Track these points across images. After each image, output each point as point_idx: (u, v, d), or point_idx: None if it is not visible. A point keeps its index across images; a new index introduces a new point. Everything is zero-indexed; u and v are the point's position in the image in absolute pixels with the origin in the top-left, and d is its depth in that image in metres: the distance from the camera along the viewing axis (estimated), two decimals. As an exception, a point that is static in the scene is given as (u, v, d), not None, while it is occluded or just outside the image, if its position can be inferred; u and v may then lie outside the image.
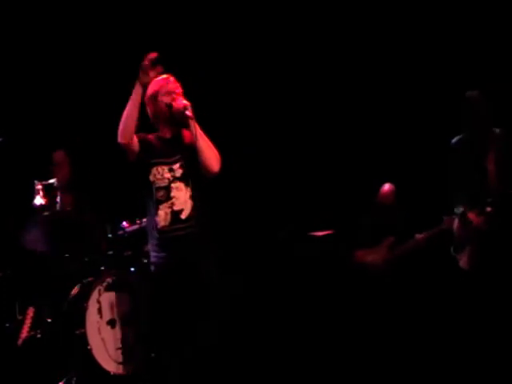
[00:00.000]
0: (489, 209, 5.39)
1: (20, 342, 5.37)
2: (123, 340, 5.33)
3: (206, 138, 4.23)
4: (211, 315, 4.20)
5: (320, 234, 6.77)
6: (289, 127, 7.10)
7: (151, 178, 4.21)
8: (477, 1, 6.54)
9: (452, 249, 5.61)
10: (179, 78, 4.34)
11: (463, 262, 5.51)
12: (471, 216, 5.41)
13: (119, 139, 4.16)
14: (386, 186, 6.75)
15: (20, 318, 5.48)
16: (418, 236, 6.46)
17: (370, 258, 6.69)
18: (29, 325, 5.39)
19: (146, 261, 5.47)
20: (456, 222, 5.63)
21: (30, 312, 5.43)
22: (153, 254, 4.30)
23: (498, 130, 5.47)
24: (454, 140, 5.59)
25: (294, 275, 6.62)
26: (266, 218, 7.00)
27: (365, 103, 7.06)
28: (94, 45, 6.83)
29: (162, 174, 4.21)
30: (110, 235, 5.75)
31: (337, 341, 5.74)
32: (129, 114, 4.15)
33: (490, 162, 5.42)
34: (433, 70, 6.78)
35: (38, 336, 5.39)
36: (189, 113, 4.16)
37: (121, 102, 4.25)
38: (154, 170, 4.21)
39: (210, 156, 4.21)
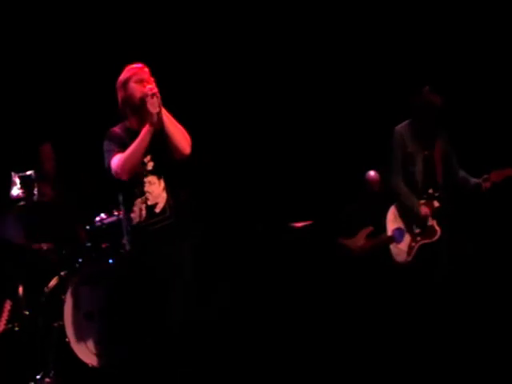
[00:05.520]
0: (436, 204, 5.39)
1: None
2: (101, 332, 5.32)
3: (174, 121, 4.16)
4: (185, 306, 4.19)
5: (299, 224, 6.78)
6: (269, 119, 7.11)
7: None
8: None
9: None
10: (172, 76, 4.32)
11: (399, 256, 5.51)
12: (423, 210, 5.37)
13: (123, 177, 4.06)
14: (372, 173, 6.76)
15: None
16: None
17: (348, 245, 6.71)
18: (6, 318, 5.36)
19: (124, 252, 5.48)
20: (395, 211, 5.61)
21: (7, 305, 5.39)
22: (128, 248, 4.28)
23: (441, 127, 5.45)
24: (398, 127, 5.47)
25: (274, 266, 6.63)
26: (246, 209, 7.00)
27: (342, 96, 7.08)
28: (78, 40, 6.82)
29: None
30: (87, 227, 5.72)
31: (318, 331, 5.75)
32: (137, 154, 4.06)
33: (437, 157, 5.38)
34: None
35: (16, 329, 5.36)
36: (154, 89, 4.05)
37: (101, 95, 4.23)
38: None
39: (180, 138, 4.14)
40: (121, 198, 4.26)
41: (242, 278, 6.57)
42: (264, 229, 6.79)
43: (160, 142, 4.14)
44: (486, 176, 5.32)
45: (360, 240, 6.70)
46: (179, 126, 4.17)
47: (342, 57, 7.05)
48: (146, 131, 4.07)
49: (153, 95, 4.04)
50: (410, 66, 6.75)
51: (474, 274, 5.76)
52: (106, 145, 4.20)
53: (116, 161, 4.10)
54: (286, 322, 5.95)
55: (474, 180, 5.38)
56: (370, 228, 6.67)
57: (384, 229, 6.20)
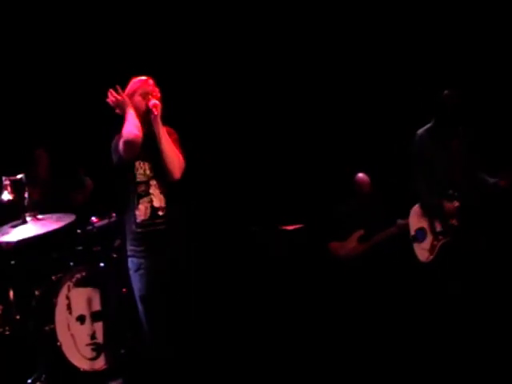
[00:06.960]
0: (457, 203, 5.47)
1: None
2: (93, 336, 5.32)
3: (170, 143, 4.32)
4: (185, 308, 4.30)
5: (291, 227, 6.78)
6: (259, 122, 7.12)
7: (134, 172, 4.31)
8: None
9: (412, 239, 5.68)
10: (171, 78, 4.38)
11: (422, 255, 5.59)
12: (448, 206, 5.47)
13: (129, 155, 4.23)
14: (361, 175, 6.78)
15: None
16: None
17: (341, 251, 6.71)
18: (-3, 322, 5.34)
19: (115, 256, 5.49)
20: (418, 212, 5.69)
21: (-2, 309, 5.38)
22: (130, 247, 4.36)
23: (460, 128, 5.56)
24: (419, 131, 5.62)
25: (265, 269, 6.63)
26: (237, 212, 7.00)
27: (331, 97, 7.10)
28: (73, 45, 6.82)
29: (143, 168, 4.33)
30: (78, 230, 5.71)
31: (308, 334, 5.75)
32: (135, 125, 4.22)
33: (456, 157, 5.49)
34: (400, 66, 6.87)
35: (7, 333, 5.33)
36: (155, 111, 4.25)
37: (96, 100, 4.27)
38: (136, 165, 4.32)
39: (173, 160, 4.30)
40: (125, 196, 4.36)
41: (233, 280, 6.56)
42: (257, 231, 6.79)
43: (158, 155, 4.28)
44: (503, 174, 5.44)
45: (351, 243, 6.71)
46: (175, 149, 4.33)
47: (339, 58, 7.07)
48: (127, 112, 4.25)
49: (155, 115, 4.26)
50: (406, 66, 6.79)
51: (487, 270, 5.78)
52: (114, 145, 4.35)
53: (120, 141, 4.24)
54: (278, 326, 5.95)
55: (492, 180, 5.49)
56: (362, 231, 6.68)
57: (379, 231, 6.26)
